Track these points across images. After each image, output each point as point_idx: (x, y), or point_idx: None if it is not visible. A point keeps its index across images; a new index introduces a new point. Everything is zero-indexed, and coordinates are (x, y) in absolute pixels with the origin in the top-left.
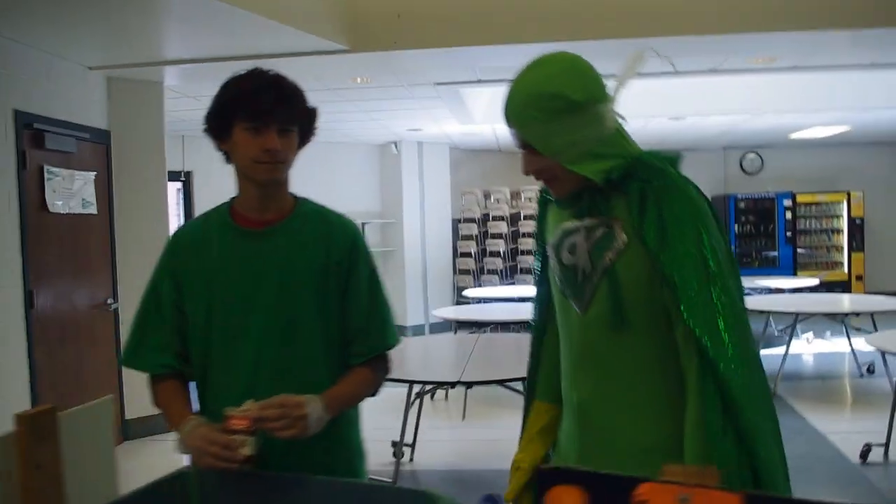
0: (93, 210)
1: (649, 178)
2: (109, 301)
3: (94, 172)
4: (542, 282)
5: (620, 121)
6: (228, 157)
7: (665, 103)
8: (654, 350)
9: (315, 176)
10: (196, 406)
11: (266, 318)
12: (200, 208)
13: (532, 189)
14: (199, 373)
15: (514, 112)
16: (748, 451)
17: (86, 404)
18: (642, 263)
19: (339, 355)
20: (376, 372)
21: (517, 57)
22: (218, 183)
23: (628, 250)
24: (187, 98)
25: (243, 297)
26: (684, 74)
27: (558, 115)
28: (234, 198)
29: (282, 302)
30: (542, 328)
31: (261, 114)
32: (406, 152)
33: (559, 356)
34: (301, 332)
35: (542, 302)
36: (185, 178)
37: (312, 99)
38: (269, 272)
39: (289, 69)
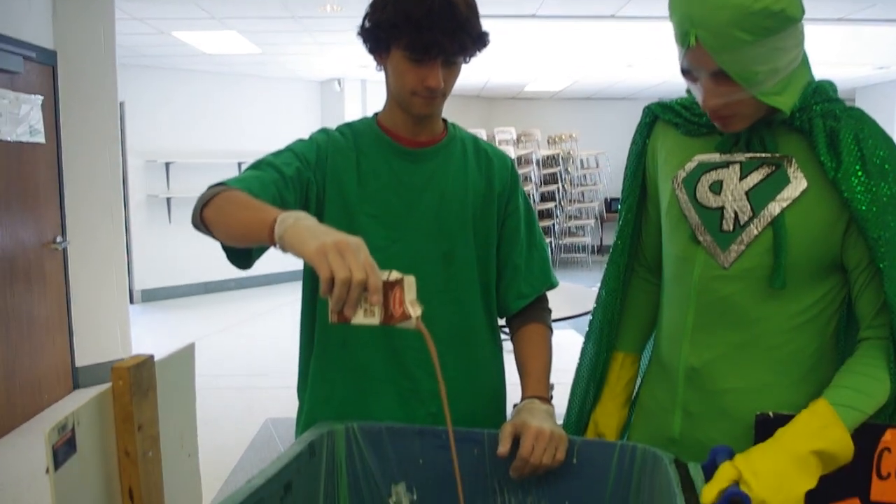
0: (40, 139)
1: (834, 111)
2: (59, 239)
3: (41, 97)
4: (633, 219)
5: None
6: (380, 66)
7: None
8: (809, 307)
9: (246, 112)
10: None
11: (418, 247)
12: (133, 144)
13: (506, 131)
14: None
15: (714, 33)
16: None
17: (172, 353)
18: (822, 215)
19: (492, 298)
20: (548, 325)
21: None
22: (152, 115)
23: (806, 198)
24: (133, 21)
25: (394, 222)
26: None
27: (769, 37)
28: (377, 113)
29: (439, 230)
30: (627, 271)
31: (426, 48)
32: (349, 91)
33: (650, 308)
34: (456, 267)
35: (631, 243)
36: (119, 110)
37: (266, 30)
38: (426, 197)
39: None
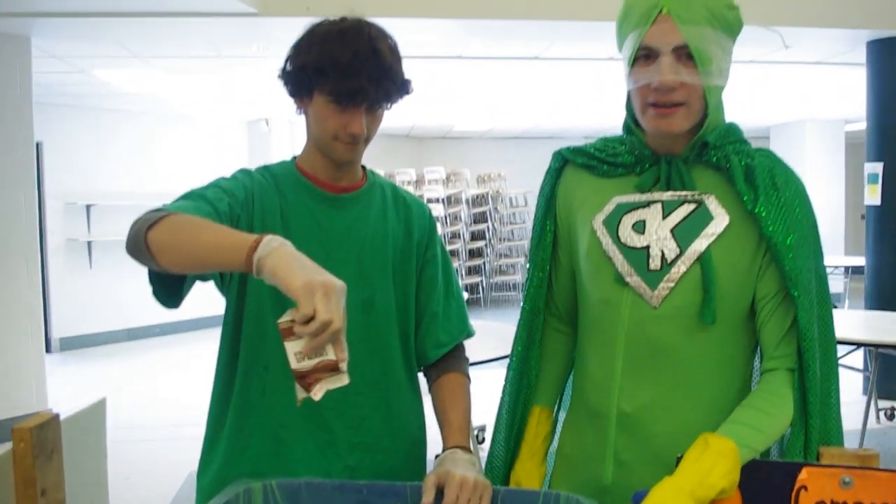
0: None
1: (747, 150)
2: None
3: None
4: (543, 266)
5: None
6: (300, 110)
7: None
8: (734, 345)
9: (171, 153)
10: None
11: None
12: (52, 186)
13: (435, 171)
14: (232, 350)
15: (685, 4)
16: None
17: (80, 409)
18: (745, 247)
19: (411, 346)
20: (467, 374)
21: (443, 32)
22: (73, 156)
23: (729, 233)
24: (53, 59)
25: None
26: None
27: (723, 32)
28: (295, 157)
29: (359, 277)
30: (541, 322)
31: (351, 94)
32: (276, 131)
33: (564, 358)
34: (376, 314)
35: (544, 291)
36: (36, 150)
37: (197, 69)
38: (346, 244)
39: (180, 31)
